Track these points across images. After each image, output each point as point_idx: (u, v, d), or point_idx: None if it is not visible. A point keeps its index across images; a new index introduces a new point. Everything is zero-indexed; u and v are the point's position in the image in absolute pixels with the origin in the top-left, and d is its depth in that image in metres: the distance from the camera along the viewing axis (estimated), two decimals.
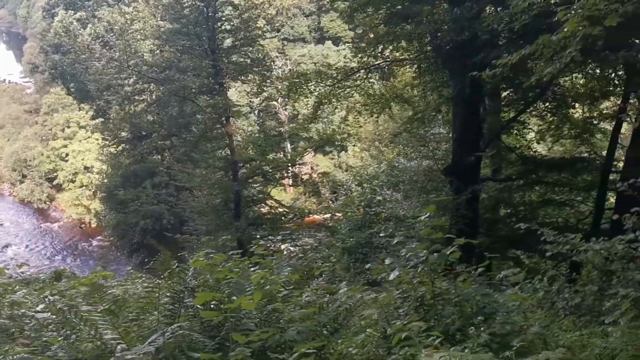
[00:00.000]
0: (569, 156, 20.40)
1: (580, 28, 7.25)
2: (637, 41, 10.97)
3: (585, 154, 20.15)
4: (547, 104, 19.32)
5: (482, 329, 4.70)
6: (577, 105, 20.07)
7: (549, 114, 19.77)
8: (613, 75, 16.84)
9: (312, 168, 46.81)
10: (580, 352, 5.02)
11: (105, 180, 34.35)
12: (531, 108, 19.41)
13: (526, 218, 19.79)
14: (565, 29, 5.67)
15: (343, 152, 46.72)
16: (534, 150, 20.22)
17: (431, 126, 22.60)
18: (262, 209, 24.65)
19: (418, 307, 5.55)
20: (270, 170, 23.65)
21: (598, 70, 16.99)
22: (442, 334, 5.15)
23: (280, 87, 23.62)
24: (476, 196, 16.06)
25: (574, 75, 18.34)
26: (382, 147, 27.96)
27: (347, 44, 26.76)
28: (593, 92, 18.30)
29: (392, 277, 5.17)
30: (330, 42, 50.30)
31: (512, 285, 8.39)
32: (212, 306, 3.58)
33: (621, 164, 17.51)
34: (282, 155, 26.52)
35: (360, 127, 27.13)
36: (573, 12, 5.38)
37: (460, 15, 12.49)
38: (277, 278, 4.28)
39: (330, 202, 38.54)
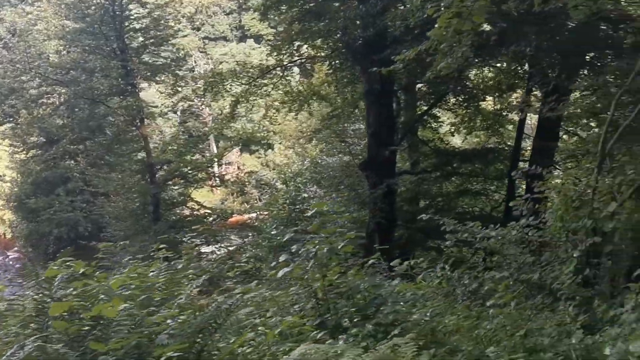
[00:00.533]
0: (480, 147, 21.23)
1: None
2: (533, 37, 11.53)
3: (497, 145, 21.06)
4: (459, 97, 20.02)
5: (355, 319, 4.80)
6: (488, 97, 20.84)
7: (461, 107, 20.48)
8: (519, 69, 17.66)
9: (238, 167, 46.36)
10: (464, 334, 5.20)
11: (16, 189, 32.61)
12: (444, 102, 20.09)
13: (444, 209, 20.46)
14: (437, 26, 5.87)
15: (269, 150, 46.53)
16: (446, 142, 20.85)
17: (351, 122, 22.92)
18: (184, 212, 24.23)
19: (315, 303, 5.61)
20: (190, 172, 23.28)
21: (505, 64, 17.82)
22: (335, 326, 5.24)
23: (196, 87, 23.25)
24: (392, 190, 16.41)
25: (484, 68, 19.11)
26: (306, 145, 28.10)
27: (269, 42, 26.62)
28: (500, 85, 19.11)
29: (280, 274, 5.19)
30: (252, 40, 49.94)
31: (417, 274, 8.63)
32: (68, 315, 3.47)
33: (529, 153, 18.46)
34: (202, 156, 26.06)
35: (279, 124, 27.13)
36: (443, 9, 5.59)
37: (366, 11, 12.72)
38: (154, 280, 4.19)
39: (258, 201, 38.35)
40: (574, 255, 7.27)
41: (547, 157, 15.08)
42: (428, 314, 5.98)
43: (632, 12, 12.37)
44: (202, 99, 27.73)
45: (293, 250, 5.45)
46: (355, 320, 5.19)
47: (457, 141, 23.94)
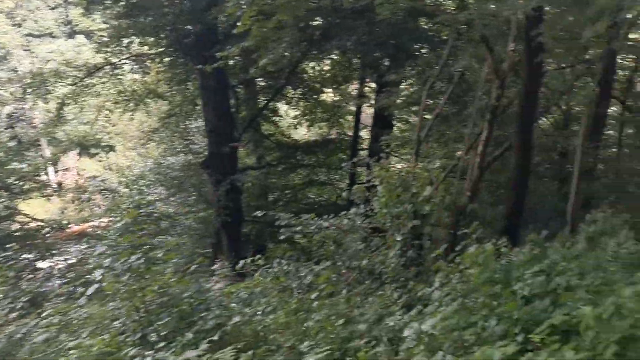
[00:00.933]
0: (322, 138, 21.82)
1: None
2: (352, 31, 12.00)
3: (338, 135, 21.79)
4: (298, 90, 20.38)
5: (179, 329, 4.63)
6: (327, 89, 21.39)
7: (301, 100, 20.87)
8: (353, 61, 18.37)
9: (78, 173, 43.08)
10: (292, 330, 5.24)
11: None
12: (284, 95, 20.33)
13: (291, 201, 20.79)
14: (239, 23, 5.84)
15: (111, 152, 43.82)
16: (288, 136, 21.13)
17: (193, 119, 22.30)
18: (12, 226, 21.94)
19: (137, 317, 5.32)
20: (15, 182, 21.13)
21: (339, 57, 18.43)
22: (156, 340, 5.00)
23: (14, 89, 21.15)
24: (236, 186, 16.27)
25: (321, 61, 19.59)
26: (148, 145, 26.86)
27: (100, 38, 24.66)
28: (336, 77, 19.78)
29: (90, 292, 4.84)
30: (82, 36, 46.55)
31: (254, 272, 8.60)
32: None
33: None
34: (28, 164, 23.73)
35: (114, 125, 25.73)
36: (245, 6, 5.55)
37: (192, 7, 12.39)
38: None
39: (101, 207, 36.04)
40: (398, 239, 7.72)
41: (387, 145, 15.85)
42: (260, 313, 5.96)
43: (446, 7, 13.43)
44: (25, 102, 25.33)
45: (107, 264, 5.10)
46: (180, 329, 5.01)
47: (303, 133, 24.33)
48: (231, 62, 15.69)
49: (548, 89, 11.91)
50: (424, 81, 10.70)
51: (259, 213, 8.85)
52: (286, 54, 10.99)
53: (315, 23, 12.20)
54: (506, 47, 7.55)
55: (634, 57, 14.97)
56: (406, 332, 3.70)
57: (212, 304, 5.11)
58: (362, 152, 19.26)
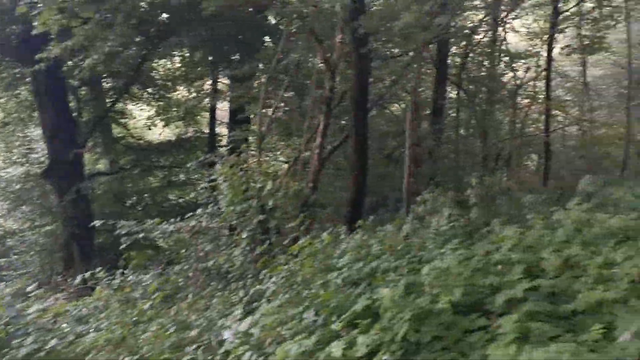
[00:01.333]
0: (177, 138, 21.14)
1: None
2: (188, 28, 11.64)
3: (194, 134, 21.23)
4: (147, 89, 19.54)
5: None
6: (180, 87, 20.69)
7: (153, 100, 20.05)
8: (201, 58, 17.91)
9: None
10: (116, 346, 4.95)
11: None
12: (134, 95, 19.39)
13: (151, 204, 19.93)
14: (39, 23, 5.44)
15: None
16: (139, 137, 20.24)
17: (34, 125, 20.58)
18: None
19: None
20: None
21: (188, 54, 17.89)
22: None
23: None
24: (83, 194, 15.23)
25: (172, 59, 18.90)
26: None
27: None
28: (188, 74, 19.23)
29: None
30: None
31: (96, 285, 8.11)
32: None
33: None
34: None
35: None
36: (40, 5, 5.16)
37: (12, 6, 11.30)
38: None
39: None
40: (244, 235, 7.65)
41: (241, 141, 15.63)
42: (92, 330, 5.59)
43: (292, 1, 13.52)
44: None
45: None
46: None
47: (160, 133, 23.39)
48: (70, 62, 14.64)
49: (394, 77, 12.40)
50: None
51: (97, 223, 8.34)
52: (128, 52, 10.45)
53: (153, 20, 11.69)
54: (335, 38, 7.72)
55: (465, 43, 16.17)
56: (225, 334, 3.62)
57: (32, 327, 4.68)
58: (220, 149, 18.96)
